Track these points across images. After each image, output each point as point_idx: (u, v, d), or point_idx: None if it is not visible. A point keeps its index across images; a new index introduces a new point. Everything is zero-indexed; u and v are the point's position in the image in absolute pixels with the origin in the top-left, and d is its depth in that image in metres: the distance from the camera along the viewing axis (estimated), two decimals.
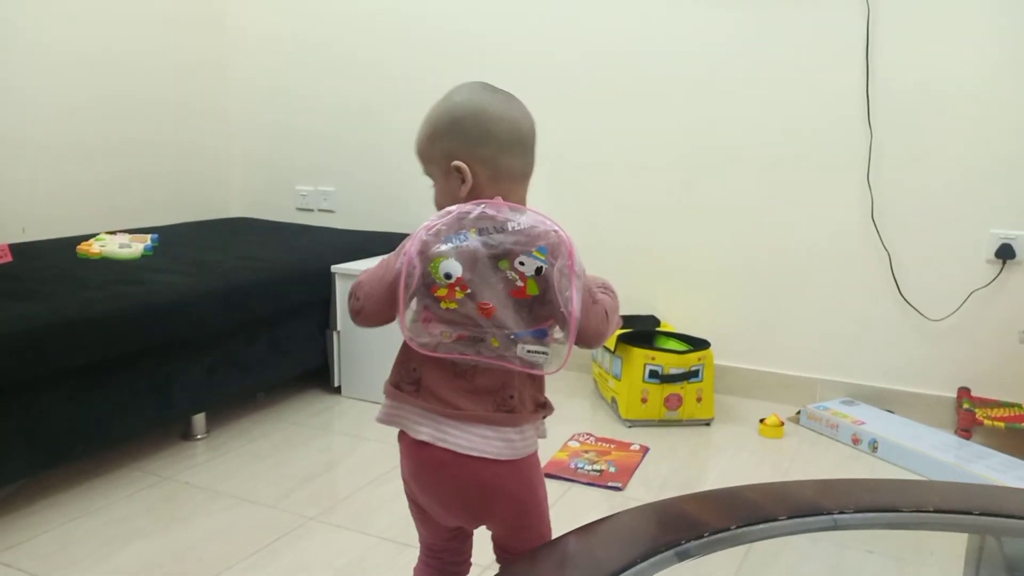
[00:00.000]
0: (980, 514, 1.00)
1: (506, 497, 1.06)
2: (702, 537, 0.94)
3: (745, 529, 0.97)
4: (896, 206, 2.46)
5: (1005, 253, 2.34)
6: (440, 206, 1.05)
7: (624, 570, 0.84)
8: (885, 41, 2.41)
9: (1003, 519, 1.00)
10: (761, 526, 0.98)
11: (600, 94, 2.78)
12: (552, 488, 1.97)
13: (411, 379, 1.05)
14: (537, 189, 3.11)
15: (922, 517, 1.01)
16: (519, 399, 1.03)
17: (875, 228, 2.48)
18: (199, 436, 2.26)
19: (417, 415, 1.04)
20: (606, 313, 1.04)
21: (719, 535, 0.95)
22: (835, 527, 1.01)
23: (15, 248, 2.38)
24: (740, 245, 2.67)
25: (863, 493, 1.06)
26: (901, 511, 1.01)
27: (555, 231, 0.96)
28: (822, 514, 1.00)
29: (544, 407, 1.10)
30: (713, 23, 2.61)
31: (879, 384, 2.53)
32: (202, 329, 2.17)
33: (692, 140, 2.68)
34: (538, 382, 1.08)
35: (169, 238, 2.69)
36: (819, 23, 2.48)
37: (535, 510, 1.12)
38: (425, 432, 1.03)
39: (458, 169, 1.03)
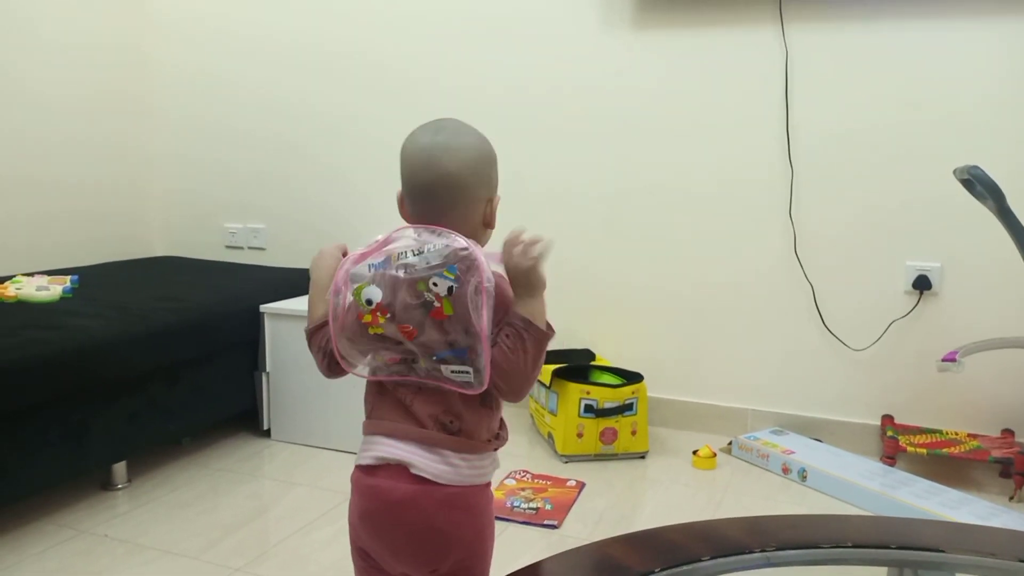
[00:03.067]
0: (896, 547, 1.02)
1: (460, 543, 1.05)
2: None
3: (670, 571, 0.97)
4: (817, 240, 2.53)
5: (922, 284, 2.43)
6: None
7: None
8: (802, 81, 2.50)
9: (918, 552, 1.02)
10: (685, 567, 0.98)
11: (532, 131, 2.81)
12: None
13: (368, 411, 1.10)
14: None
15: (841, 553, 1.02)
16: (464, 426, 1.04)
17: (798, 261, 2.55)
18: (120, 486, 2.17)
19: (369, 442, 1.07)
20: (525, 359, 1.01)
21: None
22: (763, 564, 1.02)
23: None
24: (671, 279, 2.71)
25: (785, 530, 1.08)
26: (821, 547, 1.03)
27: (466, 249, 0.98)
28: (745, 553, 1.01)
29: (498, 437, 1.10)
30: (641, 67, 2.67)
31: (807, 413, 2.59)
32: (122, 374, 2.10)
33: (622, 176, 2.73)
34: (491, 410, 1.08)
35: (90, 279, 2.60)
36: (741, 64, 2.56)
37: (479, 564, 1.10)
38: (370, 456, 1.04)
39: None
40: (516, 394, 1.03)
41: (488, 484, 1.10)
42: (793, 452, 2.35)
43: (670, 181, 2.68)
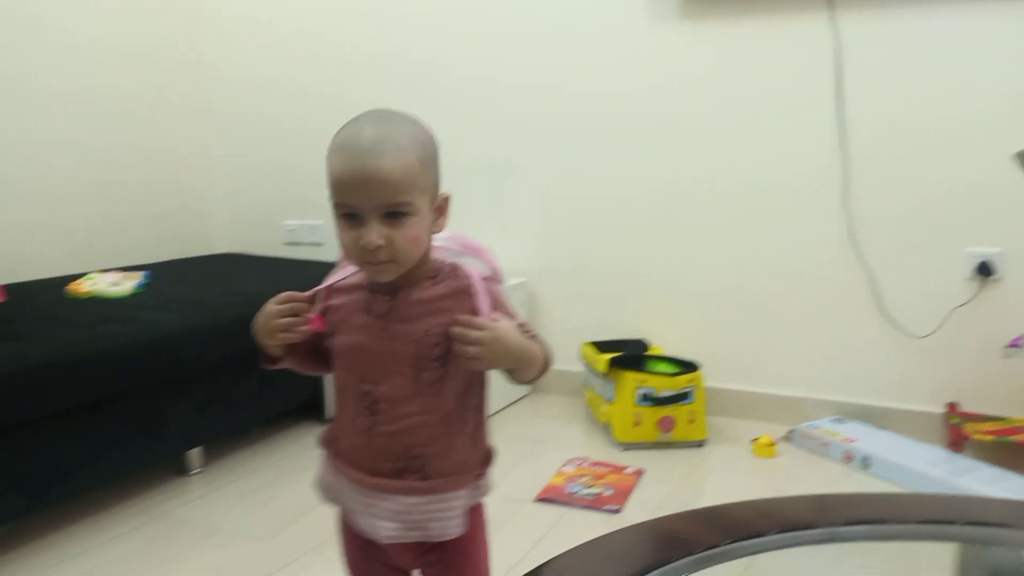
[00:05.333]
0: (965, 524, 1.02)
1: None
2: (693, 554, 0.95)
3: (734, 545, 0.98)
4: (875, 227, 2.50)
5: (984, 271, 2.38)
6: (420, 245, 0.99)
7: None
8: (855, 69, 2.46)
9: (986, 528, 1.01)
10: (750, 542, 0.99)
11: (586, 128, 2.82)
12: (549, 513, 1.99)
13: None
14: (527, 220, 3.15)
15: (908, 529, 1.02)
16: None
17: (855, 249, 2.51)
18: (194, 471, 2.26)
19: None
20: None
21: (709, 552, 0.96)
22: (828, 540, 1.02)
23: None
24: (725, 269, 2.70)
25: (851, 507, 1.08)
26: (888, 523, 1.03)
27: None
28: (810, 528, 1.02)
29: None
30: (694, 59, 2.66)
31: (869, 402, 2.55)
32: (193, 366, 2.18)
33: (674, 170, 2.72)
34: None
35: (158, 275, 2.70)
36: (790, 53, 2.53)
37: None
38: None
39: (446, 201, 1.03)
40: None
41: None
42: (855, 440, 2.33)
43: (722, 171, 2.66)
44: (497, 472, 1.11)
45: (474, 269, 1.04)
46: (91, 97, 2.98)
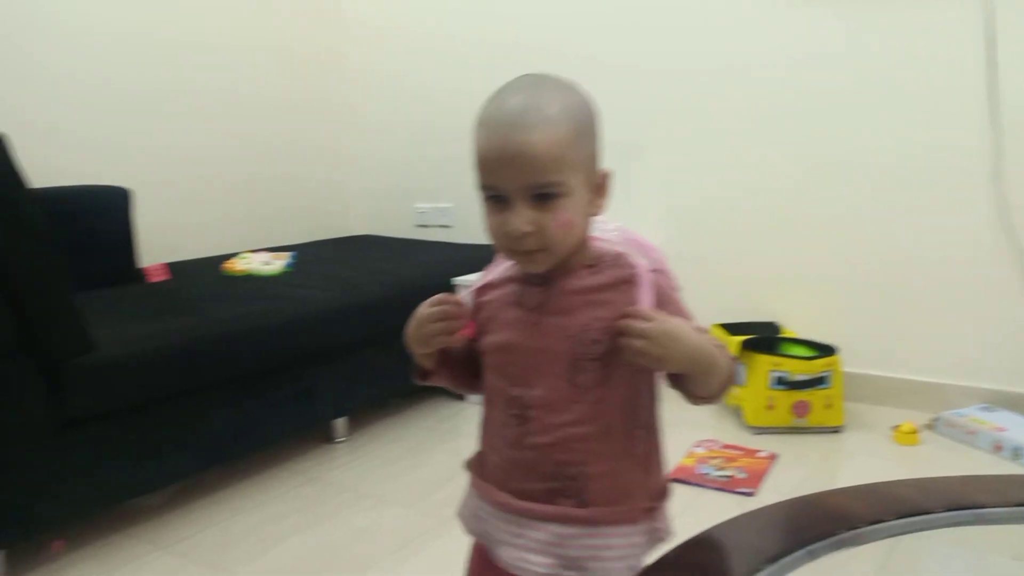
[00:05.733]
0: None
1: None
2: (856, 528, 0.95)
3: (899, 522, 0.98)
4: None
5: None
6: (574, 230, 0.87)
7: (783, 556, 0.87)
8: (1012, 40, 2.31)
9: None
10: (915, 519, 0.98)
11: (719, 107, 2.78)
12: (680, 493, 2.00)
13: None
14: (655, 202, 3.12)
15: None
16: None
17: (1007, 231, 2.38)
18: (340, 439, 2.39)
19: None
20: None
21: (873, 527, 0.96)
22: (1000, 520, 0.99)
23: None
24: (863, 250, 2.62)
25: (1018, 488, 1.05)
26: None
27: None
28: (974, 508, 1.00)
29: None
30: (826, 34, 2.57)
31: (1019, 389, 2.43)
32: (340, 340, 2.31)
33: (809, 150, 2.65)
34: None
35: (303, 255, 2.85)
36: (933, 28, 2.41)
37: None
38: None
39: (605, 178, 0.91)
40: None
41: None
42: (1005, 429, 2.22)
43: (859, 151, 2.57)
44: None
45: (642, 262, 0.91)
46: (242, 100, 3.19)
